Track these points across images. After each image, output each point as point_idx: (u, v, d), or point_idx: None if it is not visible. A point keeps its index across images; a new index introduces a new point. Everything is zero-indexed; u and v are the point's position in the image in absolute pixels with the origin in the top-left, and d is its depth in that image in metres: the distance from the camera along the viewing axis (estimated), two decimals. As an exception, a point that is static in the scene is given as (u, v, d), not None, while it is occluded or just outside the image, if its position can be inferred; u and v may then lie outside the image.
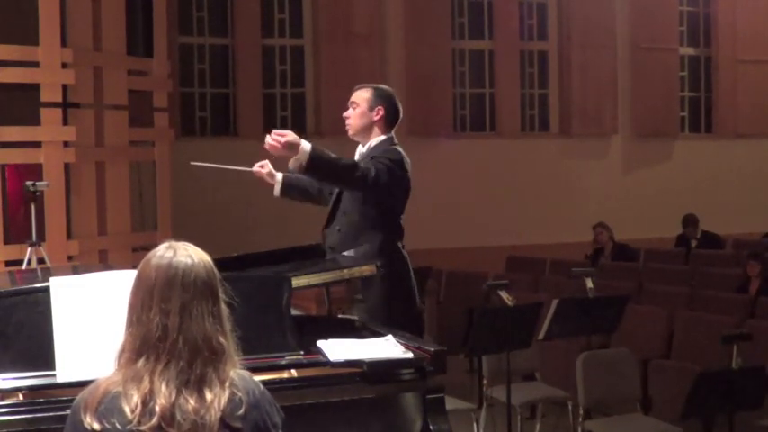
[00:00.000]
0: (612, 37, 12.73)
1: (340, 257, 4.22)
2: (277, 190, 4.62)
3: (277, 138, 4.01)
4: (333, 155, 4.14)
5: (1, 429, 2.58)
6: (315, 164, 4.02)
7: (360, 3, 11.49)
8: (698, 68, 13.68)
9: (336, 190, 4.43)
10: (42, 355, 2.81)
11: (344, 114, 4.48)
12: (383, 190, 4.22)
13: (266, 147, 4.09)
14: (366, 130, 4.43)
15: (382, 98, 4.45)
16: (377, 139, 4.42)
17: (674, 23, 13.23)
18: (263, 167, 4.60)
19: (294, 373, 3.00)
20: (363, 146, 4.45)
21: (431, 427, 3.02)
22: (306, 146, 4.01)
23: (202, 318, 2.12)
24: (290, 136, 4.01)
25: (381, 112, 4.42)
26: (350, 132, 4.48)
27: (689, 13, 13.55)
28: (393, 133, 4.47)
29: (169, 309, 2.11)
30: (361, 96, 4.44)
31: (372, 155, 4.32)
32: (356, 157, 4.47)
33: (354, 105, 4.44)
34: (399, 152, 4.37)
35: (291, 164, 4.12)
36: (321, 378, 2.96)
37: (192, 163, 4.61)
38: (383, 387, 2.99)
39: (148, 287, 2.13)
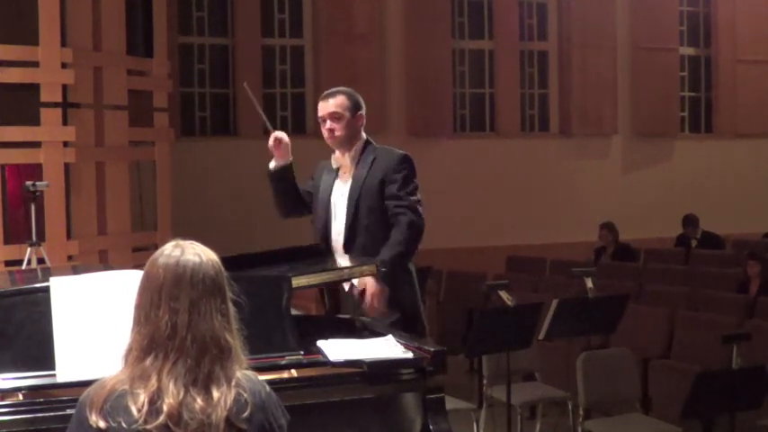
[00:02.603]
0: (612, 37, 12.74)
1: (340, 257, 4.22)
2: (274, 166, 4.36)
3: (378, 298, 4.04)
4: (395, 247, 4.13)
5: (1, 429, 2.58)
6: (395, 267, 4.07)
7: (360, 3, 11.48)
8: (698, 68, 13.68)
9: (345, 205, 4.32)
10: (42, 355, 2.81)
11: (328, 128, 4.29)
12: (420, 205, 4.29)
13: (275, 140, 4.25)
14: (351, 139, 4.32)
15: (358, 101, 4.36)
16: (359, 144, 4.34)
17: (674, 23, 13.23)
18: (283, 139, 4.33)
19: (294, 373, 3.00)
20: (346, 155, 4.33)
21: (431, 427, 3.02)
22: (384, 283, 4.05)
23: (211, 316, 2.13)
24: (383, 294, 4.04)
25: (363, 118, 4.36)
26: (334, 143, 4.32)
27: (689, 13, 13.54)
28: (364, 133, 4.42)
29: (178, 307, 2.11)
30: (342, 105, 4.30)
31: (386, 169, 4.24)
32: (334, 165, 4.38)
33: (337, 116, 4.28)
34: (411, 158, 4.32)
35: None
36: (321, 378, 2.96)
37: (245, 85, 4.55)
38: (383, 387, 2.99)
39: (157, 286, 2.13)
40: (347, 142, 4.32)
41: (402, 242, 4.15)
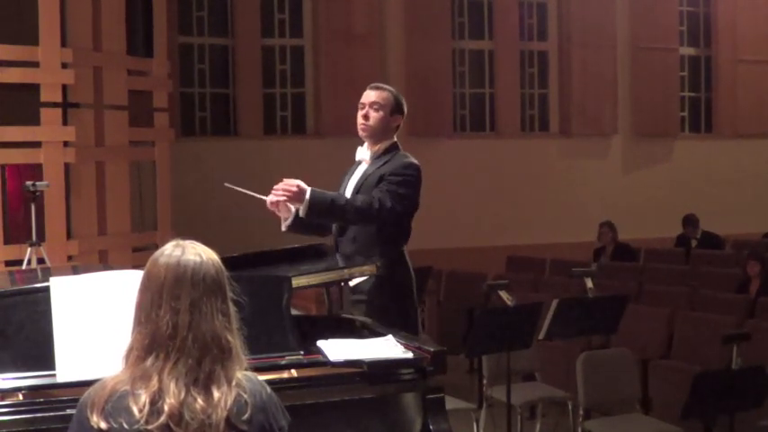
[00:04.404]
0: (612, 37, 12.74)
1: (340, 257, 4.22)
2: (287, 224, 4.24)
3: (288, 186, 3.96)
4: (334, 196, 4.08)
5: (1, 429, 2.58)
6: (313, 208, 3.97)
7: (360, 3, 11.49)
8: (698, 68, 13.68)
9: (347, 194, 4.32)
10: (42, 355, 2.81)
11: (363, 114, 4.30)
12: (399, 216, 4.19)
13: (272, 201, 4.03)
14: (381, 135, 4.31)
15: (401, 106, 4.36)
16: (385, 144, 4.33)
17: (674, 23, 13.24)
18: (280, 200, 4.16)
19: (294, 373, 3.00)
20: (370, 149, 4.34)
21: (431, 428, 3.02)
22: (308, 191, 3.97)
23: (212, 315, 2.12)
24: (300, 183, 3.97)
25: (399, 121, 4.36)
26: (364, 133, 4.32)
27: (689, 13, 13.55)
28: (395, 137, 4.40)
29: (179, 307, 2.10)
30: (386, 99, 4.31)
31: (391, 171, 4.20)
32: (357, 158, 4.40)
33: (377, 107, 4.29)
34: (418, 167, 4.26)
35: (301, 211, 4.00)
36: (321, 378, 2.96)
37: (227, 184, 4.38)
38: (383, 387, 2.99)
39: (158, 285, 2.12)
40: (376, 136, 4.32)
41: (355, 206, 4.08)
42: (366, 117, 4.31)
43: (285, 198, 4.02)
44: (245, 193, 4.12)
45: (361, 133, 4.35)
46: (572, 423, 6.10)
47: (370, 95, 4.34)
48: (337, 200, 4.11)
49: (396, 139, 4.39)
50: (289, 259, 3.91)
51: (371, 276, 3.97)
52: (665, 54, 13.06)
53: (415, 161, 4.31)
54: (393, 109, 4.33)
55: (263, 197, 4.19)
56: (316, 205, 4.01)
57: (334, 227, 4.36)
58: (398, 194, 4.15)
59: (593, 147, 12.74)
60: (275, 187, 4.03)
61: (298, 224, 4.25)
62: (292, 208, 4.22)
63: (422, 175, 4.28)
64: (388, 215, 4.12)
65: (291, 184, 4.00)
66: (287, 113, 11.68)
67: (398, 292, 4.24)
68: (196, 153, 10.72)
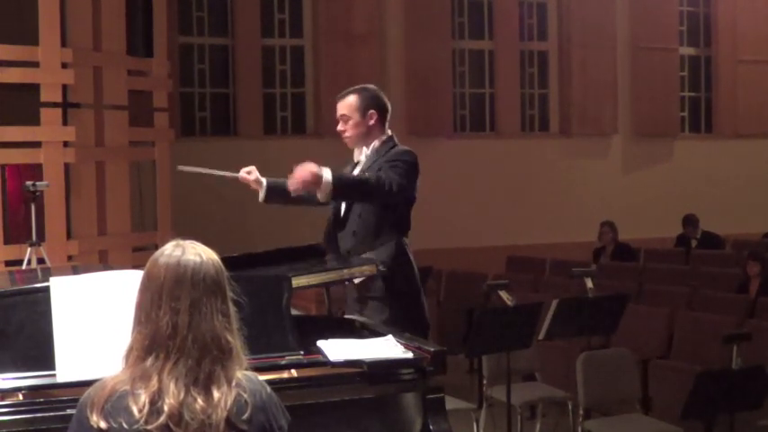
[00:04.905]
0: (612, 37, 12.74)
1: (339, 257, 4.22)
2: (261, 196, 4.42)
3: (303, 172, 3.97)
4: (352, 175, 4.12)
5: (1, 429, 2.58)
6: (340, 190, 4.00)
7: (360, 3, 11.49)
8: (698, 68, 13.68)
9: None
10: (42, 355, 2.81)
11: (339, 129, 4.36)
12: (405, 196, 4.21)
13: (292, 188, 4.06)
14: (365, 137, 4.33)
15: (370, 100, 4.33)
16: (377, 141, 4.34)
17: (674, 23, 13.24)
18: (251, 173, 4.39)
19: (294, 373, 3.00)
20: (367, 148, 4.35)
21: (431, 428, 3.02)
22: (326, 174, 3.97)
23: (212, 316, 2.13)
24: (313, 166, 3.97)
25: (375, 116, 4.32)
26: (349, 145, 4.39)
27: (689, 13, 13.55)
28: (389, 130, 4.39)
29: (179, 307, 2.10)
30: (350, 106, 4.31)
31: (387, 159, 4.23)
32: (355, 158, 4.42)
33: (346, 118, 4.32)
34: (414, 154, 4.29)
35: (320, 196, 4.04)
36: (321, 378, 2.96)
37: (180, 167, 4.49)
38: (383, 387, 2.99)
39: (157, 286, 2.13)
40: (360, 141, 4.34)
41: (364, 182, 4.12)
42: (341, 132, 4.37)
43: (300, 188, 4.03)
44: (208, 173, 4.21)
45: (349, 146, 4.41)
46: (572, 423, 6.10)
47: (338, 108, 4.37)
48: (358, 179, 4.14)
49: (390, 133, 4.38)
50: (289, 259, 3.91)
51: (372, 275, 3.98)
52: (665, 54, 13.06)
53: (410, 149, 4.33)
54: (363, 109, 4.31)
55: (232, 174, 4.32)
56: (340, 192, 4.03)
57: (329, 222, 4.36)
58: (399, 172, 4.17)
59: (593, 147, 12.74)
60: (290, 177, 4.04)
61: (274, 195, 4.37)
62: (264, 181, 4.35)
63: (418, 163, 4.29)
64: (397, 189, 4.11)
65: (305, 173, 3.99)
66: (287, 113, 11.68)
67: (403, 285, 4.23)
68: (196, 153, 10.67)
